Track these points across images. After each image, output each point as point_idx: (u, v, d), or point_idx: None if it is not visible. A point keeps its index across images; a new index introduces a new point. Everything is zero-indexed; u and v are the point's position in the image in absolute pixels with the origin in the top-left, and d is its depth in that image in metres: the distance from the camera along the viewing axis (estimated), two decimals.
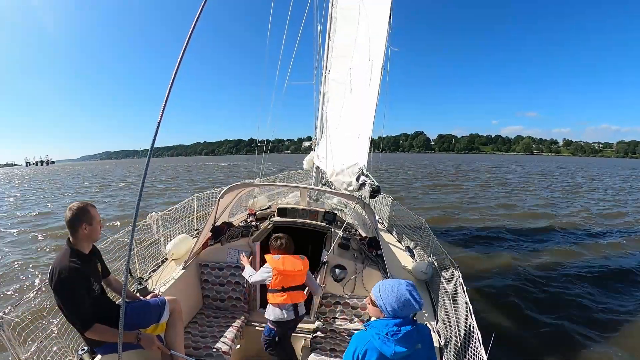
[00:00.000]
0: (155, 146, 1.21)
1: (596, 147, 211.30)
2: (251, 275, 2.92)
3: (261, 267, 2.89)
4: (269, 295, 2.82)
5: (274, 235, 2.98)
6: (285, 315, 2.74)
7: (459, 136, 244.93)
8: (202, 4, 1.24)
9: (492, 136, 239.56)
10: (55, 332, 2.46)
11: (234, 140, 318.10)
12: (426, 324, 1.93)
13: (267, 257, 2.89)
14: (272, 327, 2.84)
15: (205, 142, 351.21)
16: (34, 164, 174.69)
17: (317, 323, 3.23)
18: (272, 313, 2.79)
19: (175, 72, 1.18)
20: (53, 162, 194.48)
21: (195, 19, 1.20)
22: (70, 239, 2.07)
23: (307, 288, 2.95)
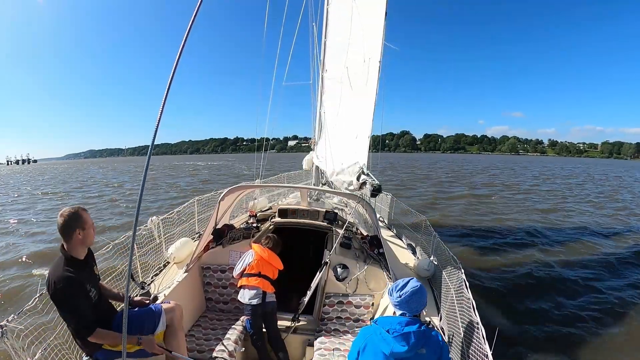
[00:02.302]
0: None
1: (581, 148, 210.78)
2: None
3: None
4: (243, 279, 3.07)
5: (265, 235, 3.32)
6: (255, 299, 2.97)
7: (444, 136, 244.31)
8: (197, 6, 1.23)
9: (478, 136, 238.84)
10: (59, 340, 2.46)
11: (220, 139, 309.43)
12: (436, 330, 1.88)
13: (253, 244, 3.26)
14: (247, 316, 3.04)
15: (190, 140, 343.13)
16: (15, 162, 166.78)
17: (320, 323, 3.23)
18: (246, 295, 3.02)
19: (173, 72, 1.16)
20: (35, 161, 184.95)
21: (192, 19, 1.19)
22: (65, 246, 2.01)
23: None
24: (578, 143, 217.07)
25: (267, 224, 4.20)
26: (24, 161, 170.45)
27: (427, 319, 2.72)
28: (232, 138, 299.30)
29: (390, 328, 1.65)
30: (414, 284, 1.80)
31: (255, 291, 2.99)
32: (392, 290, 1.82)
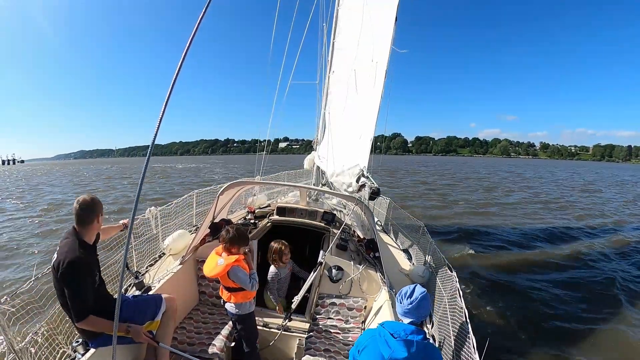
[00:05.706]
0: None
1: (573, 151, 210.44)
2: None
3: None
4: None
5: (226, 228, 2.70)
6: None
7: (436, 138, 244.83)
8: (204, 10, 1.21)
9: (470, 139, 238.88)
10: (51, 324, 2.46)
11: (210, 140, 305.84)
12: (439, 351, 1.87)
13: (215, 250, 2.71)
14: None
15: (181, 141, 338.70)
16: (0, 162, 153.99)
17: (312, 323, 3.23)
18: None
19: (177, 72, 1.16)
20: (22, 161, 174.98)
21: (199, 20, 1.18)
22: (77, 229, 2.06)
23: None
24: (570, 146, 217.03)
25: (264, 221, 4.20)
26: (9, 161, 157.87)
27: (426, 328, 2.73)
28: (222, 139, 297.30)
29: (395, 332, 1.66)
30: (420, 289, 1.84)
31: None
32: (401, 298, 1.83)
